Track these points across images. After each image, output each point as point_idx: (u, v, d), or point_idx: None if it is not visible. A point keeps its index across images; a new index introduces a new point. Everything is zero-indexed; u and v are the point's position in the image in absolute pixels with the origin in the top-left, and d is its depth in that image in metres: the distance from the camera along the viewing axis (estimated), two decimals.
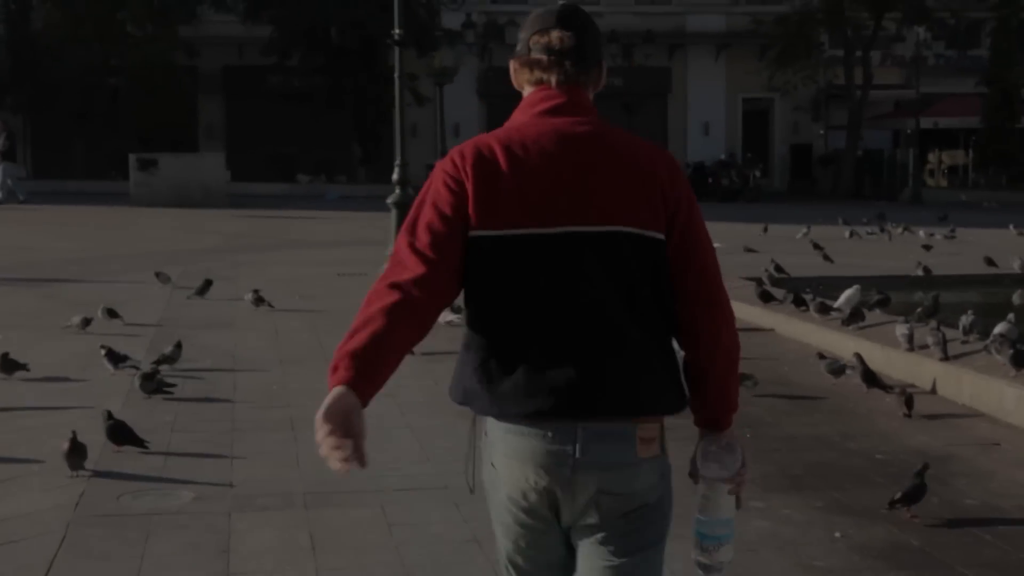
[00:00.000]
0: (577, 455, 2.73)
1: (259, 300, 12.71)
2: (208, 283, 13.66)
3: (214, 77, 45.94)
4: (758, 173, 44.06)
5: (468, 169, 2.79)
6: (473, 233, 2.75)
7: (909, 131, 49.38)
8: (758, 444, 7.36)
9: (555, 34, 2.90)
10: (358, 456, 2.51)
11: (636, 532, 2.81)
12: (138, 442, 6.98)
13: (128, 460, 6.83)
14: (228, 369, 9.59)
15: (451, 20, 40.65)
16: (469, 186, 2.77)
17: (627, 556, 2.81)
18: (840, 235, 24.00)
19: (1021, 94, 44.60)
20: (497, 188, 2.76)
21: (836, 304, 10.88)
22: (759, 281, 12.66)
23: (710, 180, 41.93)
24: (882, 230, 25.27)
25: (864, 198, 43.61)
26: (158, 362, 9.39)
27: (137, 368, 8.64)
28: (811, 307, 10.77)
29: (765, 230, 24.44)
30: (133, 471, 6.63)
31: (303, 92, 42.54)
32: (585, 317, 2.75)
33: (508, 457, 2.79)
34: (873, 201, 41.84)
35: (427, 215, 2.78)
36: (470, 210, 2.75)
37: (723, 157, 44.48)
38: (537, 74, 2.92)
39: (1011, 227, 26.09)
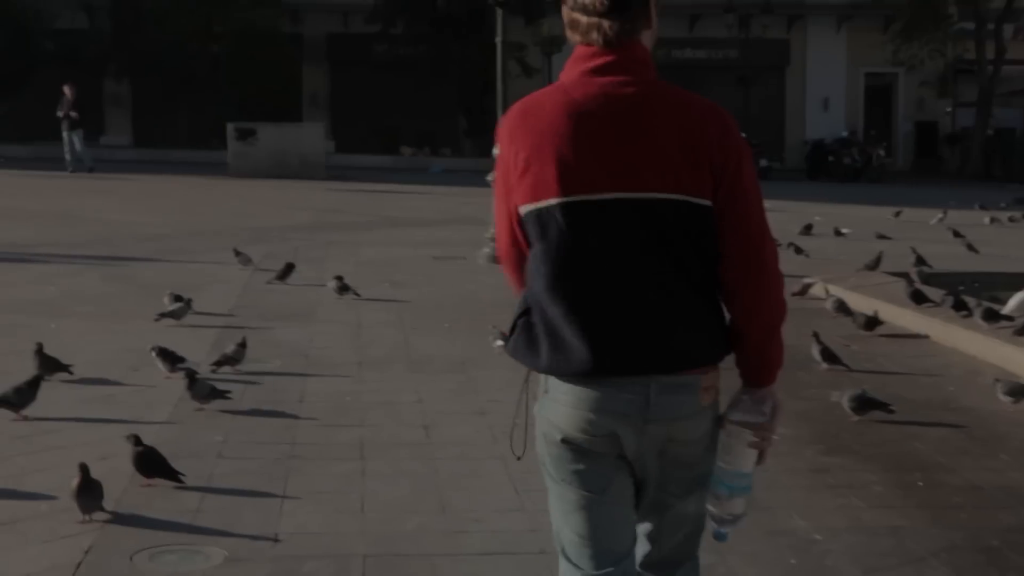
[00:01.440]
0: (651, 406, 2.81)
1: (343, 288, 11.46)
2: (290, 267, 12.45)
3: (318, 45, 45.03)
4: (882, 152, 41.86)
5: (512, 137, 2.86)
6: (522, 208, 2.83)
7: None
8: (934, 497, 5.89)
9: None
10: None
11: (694, 474, 2.94)
12: (171, 475, 5.74)
13: (157, 498, 5.59)
14: (298, 373, 8.33)
15: None
16: (516, 156, 2.83)
17: (687, 495, 2.96)
18: (979, 221, 22.14)
19: None
20: (542, 160, 2.79)
21: (1006, 310, 9.30)
22: (908, 278, 11.08)
23: (830, 158, 40.01)
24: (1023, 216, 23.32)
25: (994, 179, 41.36)
26: (219, 363, 8.19)
27: (195, 373, 7.41)
28: (976, 313, 9.19)
29: (897, 215, 22.64)
30: (160, 515, 5.38)
31: (408, 61, 41.43)
32: (638, 279, 2.80)
33: (573, 406, 2.83)
34: (1005, 183, 39.60)
35: (496, 195, 2.98)
36: (517, 181, 2.83)
37: (844, 134, 42.33)
38: (578, 35, 2.89)
39: None
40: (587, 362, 2.78)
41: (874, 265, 13.15)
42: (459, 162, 38.18)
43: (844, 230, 19.26)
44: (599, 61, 2.85)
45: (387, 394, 7.78)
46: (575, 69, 2.89)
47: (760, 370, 2.95)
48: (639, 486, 2.98)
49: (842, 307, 10.55)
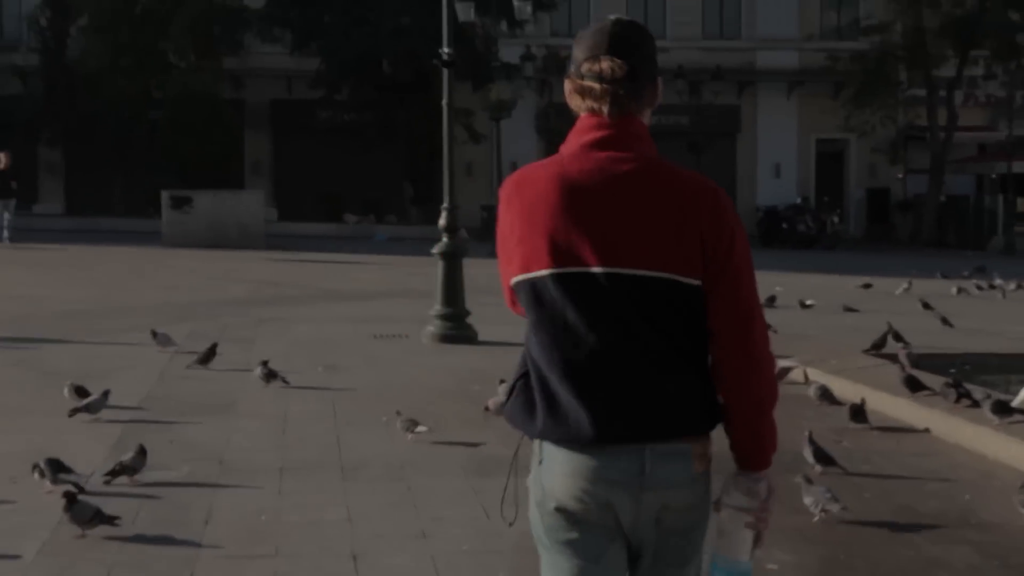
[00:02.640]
0: (646, 474, 2.82)
1: (270, 375, 10.25)
2: (212, 349, 11.23)
3: (261, 111, 44.03)
4: (836, 219, 41.29)
5: (509, 208, 2.91)
6: (515, 279, 2.89)
7: (994, 176, 46.54)
8: None
9: (606, 63, 2.87)
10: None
11: (688, 542, 2.93)
12: None
13: None
14: (208, 484, 7.11)
15: (509, 53, 38.30)
16: (510, 225, 2.89)
17: (683, 566, 2.94)
18: (944, 291, 21.28)
19: None
20: (536, 231, 2.84)
21: (1017, 402, 8.25)
22: (900, 362, 10.03)
23: (784, 225, 39.38)
24: (991, 286, 22.48)
25: (948, 247, 40.87)
26: (113, 473, 6.97)
27: (76, 492, 6.19)
28: (984, 405, 8.12)
29: (867, 287, 21.69)
30: None
31: (353, 127, 40.55)
32: (627, 350, 2.83)
33: (568, 476, 2.84)
34: (958, 250, 39.14)
35: (499, 251, 2.98)
36: (510, 250, 2.89)
37: (797, 201, 41.75)
38: (589, 102, 2.91)
39: None
40: (585, 430, 2.81)
41: (880, 344, 12.07)
42: (405, 230, 37.10)
43: (809, 302, 18.31)
44: (599, 135, 2.89)
45: (311, 511, 6.59)
46: (575, 142, 2.93)
47: (753, 452, 2.93)
48: (633, 557, 2.95)
49: (826, 395, 9.49)
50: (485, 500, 6.77)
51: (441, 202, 13.98)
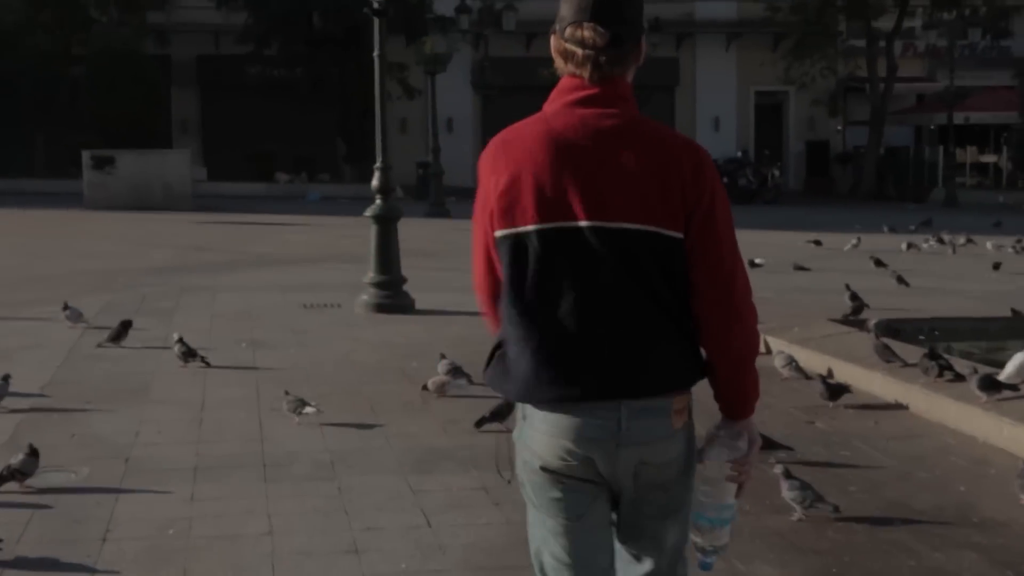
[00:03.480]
0: (621, 430, 2.83)
1: (188, 354, 9.37)
2: (125, 326, 10.30)
3: (188, 67, 42.79)
4: (776, 172, 40.79)
5: (494, 166, 2.90)
6: (498, 232, 2.87)
7: (932, 127, 46.28)
8: None
9: (589, 30, 2.86)
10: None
11: (669, 496, 2.93)
12: None
13: None
14: (109, 489, 6.24)
15: (443, 6, 37.19)
16: (493, 191, 2.88)
17: (665, 518, 2.95)
18: (894, 246, 20.75)
19: None
20: (519, 187, 2.84)
21: (1004, 376, 7.54)
22: (870, 329, 9.31)
23: (724, 180, 38.06)
24: (941, 241, 21.95)
25: (887, 199, 40.57)
26: (1, 479, 6.10)
27: None
28: (971, 381, 7.41)
29: (818, 243, 21.06)
30: None
31: (283, 83, 39.39)
32: (608, 306, 2.83)
33: (547, 435, 2.87)
34: (899, 203, 38.81)
35: (474, 222, 2.98)
36: (493, 205, 2.87)
37: (738, 155, 41.16)
38: (571, 66, 2.90)
39: None
40: (558, 389, 2.84)
41: (857, 311, 11.33)
42: (338, 188, 36.10)
43: (758, 260, 17.62)
44: (583, 94, 2.89)
45: (226, 522, 5.75)
46: (559, 100, 2.94)
47: (735, 403, 2.97)
48: (618, 510, 2.99)
49: (796, 368, 8.79)
50: (426, 503, 5.99)
51: (374, 160, 13.07)
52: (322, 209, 29.08)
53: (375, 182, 12.90)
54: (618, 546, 3.03)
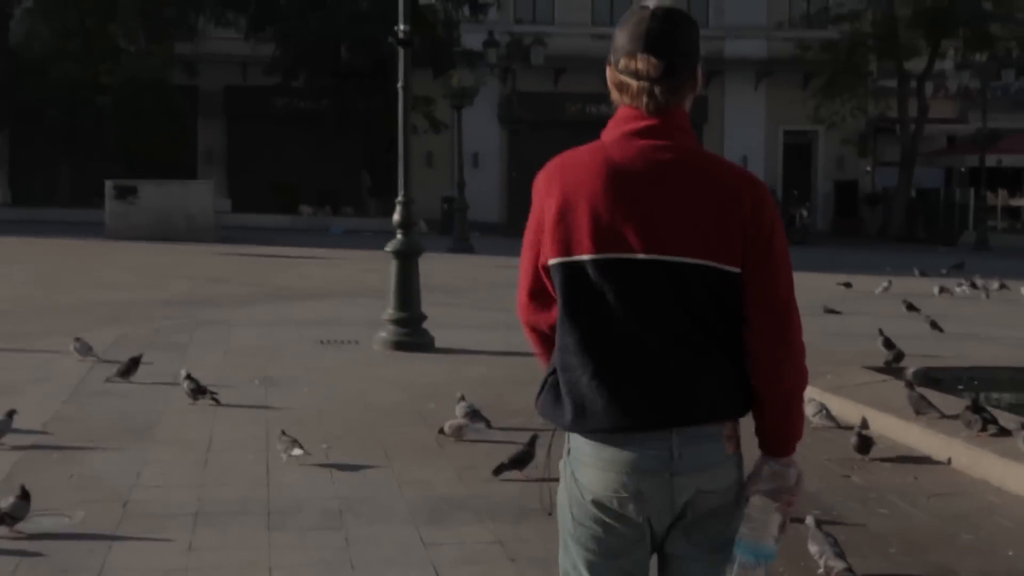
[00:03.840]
0: (675, 458, 2.82)
1: (197, 391, 9.05)
2: (135, 362, 9.99)
3: (215, 98, 42.65)
4: (805, 212, 40.39)
5: (549, 199, 2.87)
6: (553, 260, 2.87)
7: (963, 169, 45.78)
8: None
9: (642, 61, 2.85)
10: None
11: (723, 526, 2.89)
12: None
13: None
14: (104, 535, 5.91)
15: (471, 40, 37.06)
16: (547, 218, 2.87)
17: (719, 551, 2.88)
18: (925, 290, 20.29)
19: None
20: (574, 215, 2.83)
21: None
22: (906, 380, 8.91)
23: None
24: (974, 285, 21.50)
25: (918, 241, 40.04)
26: None
27: None
28: (1018, 439, 7.00)
29: (848, 286, 20.63)
30: None
31: (309, 115, 39.26)
32: (660, 337, 2.82)
33: (598, 468, 2.85)
34: (929, 245, 38.31)
35: (524, 249, 2.98)
36: (548, 234, 2.87)
37: None
38: (626, 98, 2.89)
39: None
40: (610, 418, 2.82)
41: (897, 359, 10.89)
42: (362, 222, 35.87)
43: None
44: (641, 125, 2.87)
45: (225, 575, 5.42)
46: (616, 130, 2.91)
47: (781, 439, 2.94)
48: (666, 552, 2.94)
49: (827, 416, 8.41)
50: (437, 557, 5.64)
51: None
52: (345, 243, 28.81)
53: (396, 216, 12.61)
54: None
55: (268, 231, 32.30)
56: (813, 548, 5.40)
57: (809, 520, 5.55)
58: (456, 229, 28.69)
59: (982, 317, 16.96)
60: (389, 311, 12.33)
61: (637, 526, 2.87)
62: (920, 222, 41.97)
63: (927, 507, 6.63)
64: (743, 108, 45.20)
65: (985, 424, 7.41)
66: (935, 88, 44.51)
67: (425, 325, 12.46)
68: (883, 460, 7.65)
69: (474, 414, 8.40)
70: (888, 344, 12.65)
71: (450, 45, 36.92)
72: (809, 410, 8.55)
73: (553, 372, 2.92)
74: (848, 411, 8.75)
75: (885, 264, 26.23)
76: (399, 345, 12.08)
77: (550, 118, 42.64)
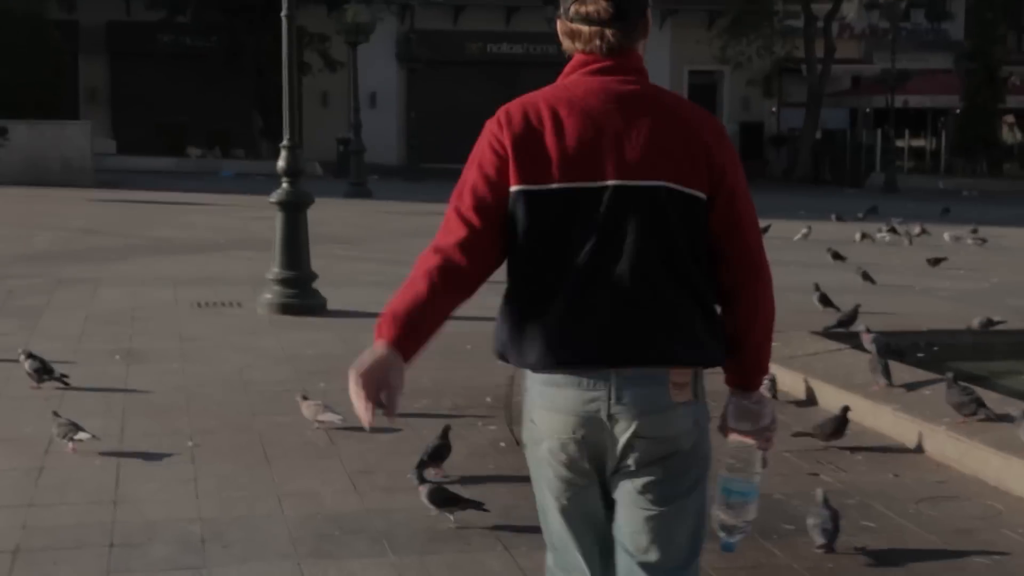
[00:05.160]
0: (612, 399, 2.77)
1: (42, 371, 7.64)
2: None
3: (96, 34, 40.48)
4: None
5: (511, 131, 2.82)
6: (513, 188, 2.80)
7: (868, 110, 45.30)
8: None
9: (592, 6, 2.86)
10: (391, 407, 2.68)
11: (672, 479, 2.83)
12: None
13: None
14: None
15: None
16: (511, 146, 2.81)
17: (665, 504, 2.83)
18: (845, 236, 19.41)
19: (1002, 72, 40.31)
20: (540, 146, 2.80)
21: None
22: (870, 346, 7.77)
23: None
24: (894, 231, 20.65)
25: (824, 183, 39.48)
26: None
27: None
28: (1022, 426, 5.91)
29: (766, 229, 19.59)
30: None
31: (198, 52, 37.29)
32: (622, 269, 2.78)
33: (546, 409, 2.84)
34: (836, 187, 37.73)
35: (471, 178, 2.85)
36: (511, 168, 2.81)
37: None
38: (580, 44, 2.89)
39: None
40: (550, 354, 2.77)
41: (849, 321, 9.50)
42: (254, 165, 34.14)
43: None
44: (599, 65, 2.88)
45: None
46: (576, 71, 2.91)
47: (755, 373, 2.97)
48: (610, 499, 2.90)
49: (772, 388, 7.29)
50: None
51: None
52: (235, 187, 27.17)
53: (281, 162, 11.20)
54: (627, 547, 2.89)
55: (154, 175, 30.52)
56: (809, 521, 5.06)
57: (819, 493, 5.20)
58: (352, 172, 27.20)
59: (910, 266, 16.02)
60: (274, 270, 10.95)
61: (585, 472, 2.83)
62: (826, 164, 41.37)
63: (919, 518, 5.50)
64: (647, 47, 43.94)
65: (976, 407, 6.31)
66: (840, 28, 43.81)
67: (316, 284, 11.12)
68: (852, 450, 6.52)
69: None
70: (825, 300, 11.64)
71: None
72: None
73: (506, 304, 2.86)
74: (801, 388, 7.64)
75: (797, 208, 25.38)
76: (286, 308, 10.71)
77: (450, 57, 41.21)
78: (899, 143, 42.14)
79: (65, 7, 38.68)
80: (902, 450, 6.57)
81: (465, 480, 5.89)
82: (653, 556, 2.85)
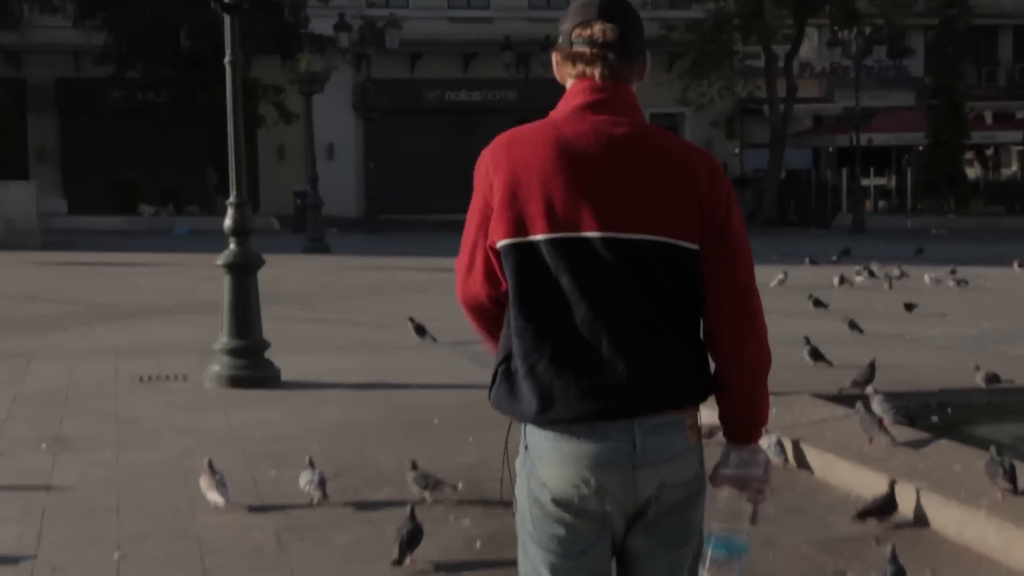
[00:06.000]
0: (637, 450, 2.74)
1: None
2: None
3: (45, 91, 39.66)
4: None
5: (498, 170, 2.80)
6: (504, 242, 2.77)
7: (831, 149, 44.96)
8: None
9: (598, 27, 2.85)
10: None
11: (686, 520, 2.83)
12: None
13: None
14: None
15: (321, 24, 34.62)
16: (498, 188, 2.78)
17: (681, 546, 2.83)
18: (822, 280, 18.75)
19: (966, 108, 40.03)
20: (528, 192, 2.76)
21: None
22: (874, 414, 6.96)
23: None
24: (872, 274, 20.01)
25: (790, 224, 38.93)
26: None
27: None
28: None
29: None
30: None
31: (149, 108, 36.43)
32: (623, 319, 2.75)
33: (558, 464, 2.76)
34: (802, 228, 37.22)
35: (468, 228, 2.86)
36: (497, 213, 2.78)
37: None
38: (580, 67, 2.88)
39: (1016, 264, 21.49)
40: (566, 407, 2.72)
41: (866, 381, 8.41)
42: (209, 221, 33.06)
43: None
44: (593, 98, 2.84)
45: None
46: (567, 106, 2.88)
47: (748, 424, 2.90)
48: (623, 549, 2.85)
49: (781, 452, 6.49)
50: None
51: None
52: (189, 245, 26.29)
53: (228, 221, 10.36)
54: None
55: (106, 234, 29.56)
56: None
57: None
58: (309, 227, 26.34)
59: (895, 313, 15.31)
60: (223, 339, 10.04)
61: (598, 524, 2.77)
62: (792, 204, 40.88)
63: None
64: None
65: (1013, 482, 5.50)
66: (800, 67, 43.52)
67: (270, 352, 10.23)
68: (877, 541, 5.70)
69: (322, 484, 6.36)
70: (815, 354, 10.90)
71: (297, 28, 34.53)
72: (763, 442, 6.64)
73: (503, 361, 2.81)
74: (809, 461, 6.83)
75: (768, 252, 24.76)
76: (235, 381, 9.80)
77: (407, 106, 40.60)
78: (864, 182, 41.80)
79: (12, 65, 37.84)
80: (938, 539, 5.74)
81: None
82: None
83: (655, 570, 2.83)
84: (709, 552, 2.84)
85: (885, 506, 5.79)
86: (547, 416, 2.73)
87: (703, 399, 2.84)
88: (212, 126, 35.11)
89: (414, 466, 6.40)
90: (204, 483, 6.31)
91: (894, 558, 4.74)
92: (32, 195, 26.07)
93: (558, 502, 2.76)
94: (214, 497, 6.21)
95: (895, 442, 6.62)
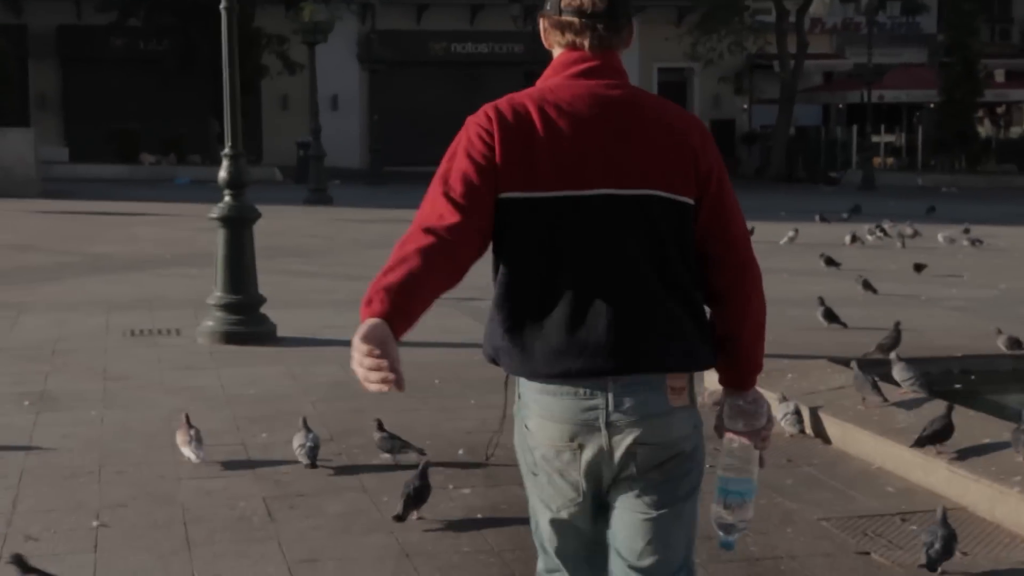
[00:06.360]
0: (610, 407, 2.76)
1: None
2: None
3: (46, 38, 39.02)
4: None
5: (500, 127, 2.77)
6: (504, 195, 2.76)
7: (841, 106, 44.39)
8: None
9: None
10: (397, 379, 2.46)
11: (671, 483, 2.82)
12: None
13: None
14: None
15: None
16: (499, 145, 2.76)
17: (663, 508, 2.82)
18: (833, 238, 18.36)
19: (980, 66, 39.42)
20: (530, 149, 2.76)
21: None
22: (896, 379, 6.61)
23: None
24: (884, 232, 19.61)
25: (798, 181, 38.46)
26: None
27: None
28: None
29: (751, 232, 18.40)
30: None
31: (151, 56, 35.91)
32: (614, 278, 2.77)
33: (542, 417, 2.81)
34: (810, 184, 36.79)
35: (461, 164, 2.77)
36: (500, 169, 2.76)
37: None
38: (569, 37, 2.88)
39: None
40: (545, 362, 2.75)
41: (892, 345, 8.00)
42: (210, 171, 32.46)
43: None
44: (585, 66, 2.86)
45: None
46: (561, 73, 2.88)
47: (749, 372, 2.94)
48: (606, 505, 2.88)
49: (798, 421, 6.18)
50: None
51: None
52: (189, 195, 25.83)
53: (223, 172, 10.03)
54: (622, 552, 2.86)
55: (107, 182, 29.26)
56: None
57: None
58: (312, 178, 25.95)
59: (909, 272, 14.92)
60: (216, 294, 9.70)
61: (577, 481, 2.80)
62: (800, 161, 40.39)
63: None
64: None
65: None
66: (811, 23, 42.87)
67: (266, 306, 9.90)
68: (904, 517, 5.37)
69: (313, 451, 6.06)
70: (829, 315, 10.56)
71: None
72: (785, 421, 6.34)
73: (499, 313, 2.80)
74: (827, 430, 6.49)
75: (776, 208, 24.37)
76: (229, 337, 9.46)
77: (413, 57, 40.02)
78: (874, 139, 41.27)
79: (12, 11, 37.33)
80: (967, 517, 5.40)
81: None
82: (648, 561, 2.84)
83: (635, 525, 2.83)
84: (722, 497, 2.89)
85: (942, 431, 5.62)
86: (528, 369, 2.78)
87: (696, 367, 2.84)
88: (214, 75, 34.64)
89: (380, 427, 6.12)
90: (180, 438, 6.14)
91: (944, 521, 4.61)
92: (30, 142, 25.70)
93: (542, 454, 2.82)
94: (188, 453, 6.04)
95: (886, 401, 6.38)
